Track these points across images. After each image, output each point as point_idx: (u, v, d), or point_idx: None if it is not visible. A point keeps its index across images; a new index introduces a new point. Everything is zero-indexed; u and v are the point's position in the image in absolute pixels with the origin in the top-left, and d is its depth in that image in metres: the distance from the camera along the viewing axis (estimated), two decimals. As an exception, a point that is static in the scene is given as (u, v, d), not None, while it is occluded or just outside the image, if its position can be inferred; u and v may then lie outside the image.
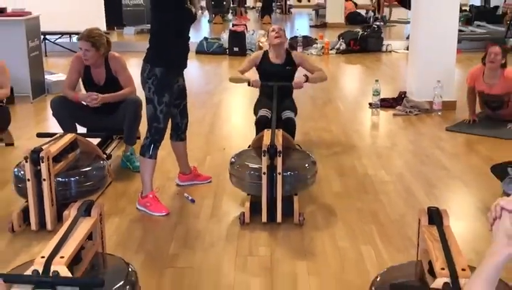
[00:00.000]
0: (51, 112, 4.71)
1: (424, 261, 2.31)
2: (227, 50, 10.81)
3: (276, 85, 4.60)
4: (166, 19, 3.71)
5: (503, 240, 1.41)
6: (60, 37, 10.92)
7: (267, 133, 3.80)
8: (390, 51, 11.06)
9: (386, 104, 6.66)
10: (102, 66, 4.61)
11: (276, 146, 3.57)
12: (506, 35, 11.18)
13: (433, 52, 6.41)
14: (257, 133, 4.53)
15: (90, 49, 4.45)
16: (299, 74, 4.88)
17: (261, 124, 4.49)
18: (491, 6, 14.54)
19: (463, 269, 2.01)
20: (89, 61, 4.52)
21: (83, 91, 4.79)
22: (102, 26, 11.39)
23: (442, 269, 2.03)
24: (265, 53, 4.99)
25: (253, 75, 4.97)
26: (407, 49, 8.14)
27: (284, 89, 4.73)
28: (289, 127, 4.55)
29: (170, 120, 3.98)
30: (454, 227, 2.42)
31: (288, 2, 19.85)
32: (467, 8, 14.55)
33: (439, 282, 1.98)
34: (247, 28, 11.53)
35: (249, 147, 4.16)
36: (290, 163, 3.76)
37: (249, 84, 4.81)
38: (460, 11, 7.62)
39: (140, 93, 4.66)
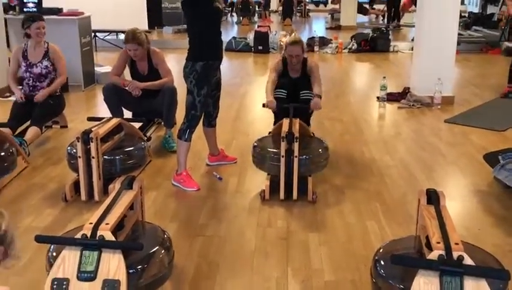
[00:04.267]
0: (102, 97, 4.76)
1: (422, 236, 2.29)
2: (252, 48, 10.77)
3: (292, 106, 4.11)
4: (199, 19, 3.70)
5: None
6: (108, 35, 10.96)
7: (285, 122, 3.79)
8: (396, 51, 10.91)
9: (392, 97, 6.59)
10: (146, 60, 4.67)
11: (293, 133, 3.55)
12: (500, 39, 10.99)
13: (435, 53, 6.32)
14: (275, 116, 4.41)
15: (137, 48, 4.52)
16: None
17: (278, 102, 4.22)
18: (488, 13, 14.29)
19: (456, 243, 1.99)
20: (138, 57, 4.60)
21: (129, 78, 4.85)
22: (145, 26, 11.41)
23: (438, 242, 2.01)
24: (285, 64, 4.46)
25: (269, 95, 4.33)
26: (412, 49, 8.02)
27: (300, 109, 4.19)
28: (305, 109, 4.24)
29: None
30: (450, 207, 2.39)
31: (307, 7, 19.68)
32: (466, 15, 14.31)
33: (435, 254, 1.96)
34: (270, 29, 11.46)
35: (269, 133, 4.14)
36: (306, 148, 3.74)
37: (264, 106, 4.30)
38: (459, 17, 7.49)
39: (177, 84, 4.71)
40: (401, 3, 15.24)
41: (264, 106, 4.31)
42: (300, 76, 4.46)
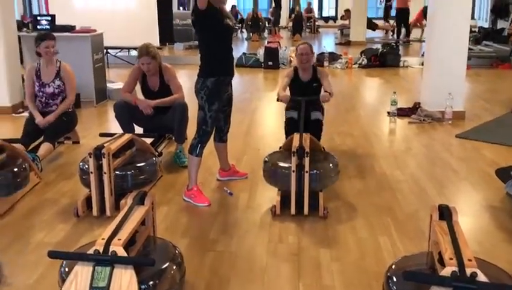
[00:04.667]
0: (114, 113, 4.80)
1: (435, 252, 2.27)
2: (262, 64, 10.83)
3: (303, 100, 4.40)
4: (210, 36, 3.73)
5: None
6: (119, 51, 11.07)
7: (296, 137, 3.79)
8: (406, 66, 10.91)
9: (403, 112, 6.59)
10: (157, 75, 4.71)
11: (304, 148, 3.56)
12: (510, 54, 10.97)
13: (445, 68, 6.31)
14: (286, 133, 4.54)
15: (151, 62, 4.58)
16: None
17: (289, 125, 4.52)
18: (498, 28, 14.27)
19: (469, 260, 1.98)
20: (151, 71, 4.66)
21: (139, 96, 4.88)
22: (156, 43, 11.51)
23: (451, 259, 2.00)
24: (296, 71, 4.79)
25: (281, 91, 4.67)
26: (422, 64, 8.03)
27: (311, 103, 4.53)
28: (317, 127, 4.53)
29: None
30: (462, 222, 2.38)
31: (316, 23, 19.78)
32: (476, 30, 14.31)
33: (448, 270, 1.95)
34: (280, 45, 11.52)
35: (279, 148, 4.15)
36: (316, 163, 3.74)
37: (278, 100, 4.61)
38: (470, 32, 7.49)
39: (188, 100, 4.74)
40: (413, 17, 15.27)
41: (278, 100, 4.59)
42: (311, 80, 4.74)
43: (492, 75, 9.93)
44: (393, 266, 2.37)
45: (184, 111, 4.68)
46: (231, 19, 3.84)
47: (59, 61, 4.96)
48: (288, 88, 4.74)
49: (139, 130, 4.87)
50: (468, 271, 1.92)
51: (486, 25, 15.56)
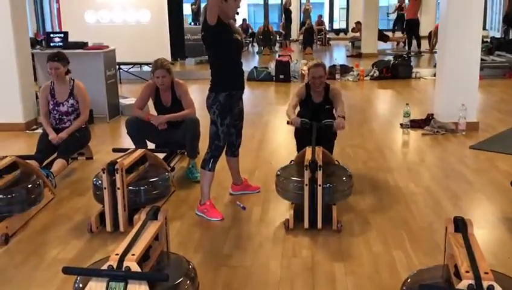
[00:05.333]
0: (125, 130, 4.83)
1: (450, 265, 2.25)
2: (273, 77, 10.85)
3: (315, 125, 4.17)
4: (220, 50, 3.76)
5: None
6: (132, 67, 11.16)
7: (308, 150, 3.79)
8: (419, 78, 10.87)
9: (416, 124, 6.56)
10: (169, 91, 4.76)
11: (316, 161, 3.55)
12: (524, 64, 10.91)
13: (458, 79, 6.29)
14: (296, 140, 4.48)
15: (166, 75, 4.66)
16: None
17: (300, 132, 4.33)
18: (510, 37, 14.21)
19: (486, 273, 1.96)
20: (164, 85, 4.71)
21: (151, 111, 4.91)
22: (168, 58, 11.57)
23: (467, 272, 1.98)
24: (307, 89, 4.54)
25: (291, 112, 4.42)
26: (435, 75, 8.00)
27: (323, 131, 4.22)
28: (329, 133, 4.29)
29: (226, 138, 4.00)
30: (478, 235, 2.35)
31: (327, 35, 19.83)
32: (488, 40, 14.25)
33: (464, 283, 1.93)
34: (291, 58, 11.54)
35: (291, 162, 4.13)
36: (329, 176, 3.73)
37: (288, 123, 4.36)
38: (482, 42, 7.47)
39: (199, 114, 4.76)
40: (433, 28, 15.19)
41: (288, 123, 4.37)
42: (323, 101, 4.51)
43: (505, 85, 9.87)
44: (408, 280, 2.35)
45: (196, 126, 4.70)
46: (240, 34, 3.87)
47: (72, 80, 5.01)
48: (298, 107, 4.57)
49: (151, 145, 4.90)
50: (485, 284, 1.90)
51: (498, 35, 15.49)
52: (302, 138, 4.30)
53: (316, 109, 4.50)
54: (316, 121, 4.25)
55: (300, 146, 4.43)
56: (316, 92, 4.52)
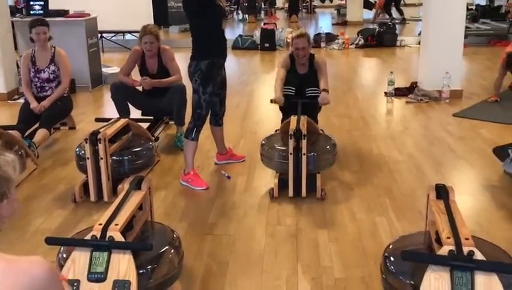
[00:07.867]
0: (109, 98, 4.78)
1: (432, 231, 2.28)
2: (259, 46, 10.75)
3: (300, 102, 4.08)
4: (202, 18, 3.70)
5: None
6: (114, 35, 10.99)
7: (293, 119, 3.78)
8: (403, 46, 10.86)
9: (400, 93, 6.57)
10: (155, 58, 4.72)
11: (301, 130, 3.55)
12: (508, 31, 10.91)
13: (442, 47, 6.29)
14: (282, 111, 4.39)
15: (154, 41, 4.64)
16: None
17: (286, 99, 4.19)
18: (495, 5, 14.18)
19: (466, 239, 1.99)
20: (152, 51, 4.68)
21: (137, 78, 4.86)
22: (151, 26, 11.40)
23: (448, 238, 2.01)
24: (292, 60, 4.38)
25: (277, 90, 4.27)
26: (419, 43, 7.98)
27: (308, 104, 4.17)
28: (313, 104, 4.19)
29: (210, 107, 3.98)
30: (459, 201, 2.38)
31: (312, 3, 19.64)
32: (473, 7, 14.22)
33: (445, 249, 1.95)
34: (276, 26, 11.44)
35: (276, 131, 4.12)
36: (313, 145, 3.74)
37: (271, 102, 4.26)
38: (466, 10, 7.44)
39: (186, 81, 4.72)
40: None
41: (271, 101, 4.27)
42: (308, 72, 4.41)
43: (490, 53, 9.89)
44: (390, 246, 2.38)
45: (183, 93, 4.66)
46: (222, 1, 3.81)
47: (53, 47, 4.93)
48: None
49: (135, 113, 4.86)
50: (466, 250, 1.92)
51: (483, 2, 15.44)
52: (287, 108, 4.26)
53: (301, 78, 4.39)
54: (302, 91, 4.22)
55: (285, 116, 4.41)
56: (300, 64, 4.38)
